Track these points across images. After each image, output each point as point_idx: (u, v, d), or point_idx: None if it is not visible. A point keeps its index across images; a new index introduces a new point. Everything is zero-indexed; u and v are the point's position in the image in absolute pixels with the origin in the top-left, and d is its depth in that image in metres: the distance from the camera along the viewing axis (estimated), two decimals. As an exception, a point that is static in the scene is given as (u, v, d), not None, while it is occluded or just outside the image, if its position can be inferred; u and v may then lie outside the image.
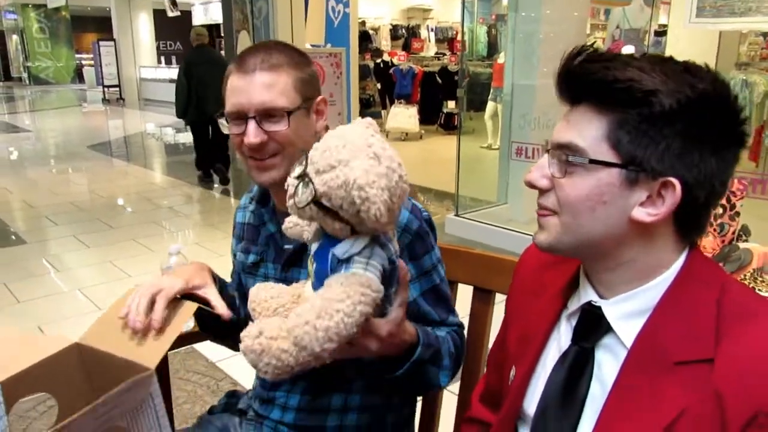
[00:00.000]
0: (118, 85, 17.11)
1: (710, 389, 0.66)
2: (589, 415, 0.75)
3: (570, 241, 0.75)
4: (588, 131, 0.71)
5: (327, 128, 1.07)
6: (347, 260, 0.77)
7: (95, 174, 7.67)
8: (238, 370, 2.68)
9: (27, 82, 23.01)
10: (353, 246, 0.78)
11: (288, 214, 0.87)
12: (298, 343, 0.71)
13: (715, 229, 2.65)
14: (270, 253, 1.15)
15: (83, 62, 22.40)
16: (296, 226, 0.90)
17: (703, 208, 0.73)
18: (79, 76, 22.89)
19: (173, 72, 15.98)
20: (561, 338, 0.82)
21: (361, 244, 0.78)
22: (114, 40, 17.12)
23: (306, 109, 1.07)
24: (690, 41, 3.74)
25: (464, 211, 5.01)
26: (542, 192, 0.76)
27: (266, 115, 1.03)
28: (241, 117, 1.03)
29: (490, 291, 1.22)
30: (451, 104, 10.56)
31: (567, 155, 0.72)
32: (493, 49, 10.32)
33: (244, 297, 1.09)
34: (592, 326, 0.77)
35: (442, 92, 10.59)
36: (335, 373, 1.01)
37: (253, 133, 1.02)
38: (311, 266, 0.83)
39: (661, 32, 6.37)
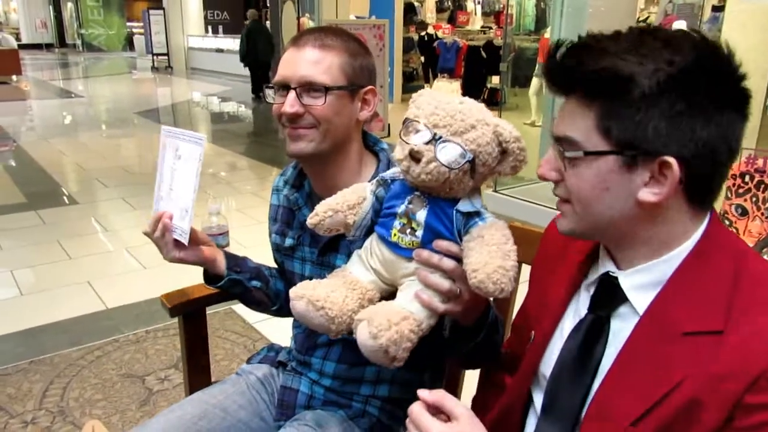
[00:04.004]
0: (167, 54, 17.39)
1: (715, 360, 0.67)
2: (601, 380, 0.77)
3: (586, 227, 0.77)
4: (580, 122, 0.72)
5: (373, 119, 1.11)
6: (476, 213, 0.84)
7: (143, 140, 7.88)
8: (274, 331, 2.77)
9: (80, 48, 23.61)
10: (475, 202, 0.85)
11: (322, 199, 0.90)
12: (496, 283, 0.78)
13: (762, 213, 2.57)
14: (305, 237, 1.17)
15: (134, 30, 22.81)
16: (337, 213, 0.89)
17: (711, 177, 0.71)
18: (129, 43, 23.36)
19: (220, 42, 16.13)
20: (579, 306, 0.85)
21: (479, 199, 0.86)
22: (163, 8, 17.33)
23: (350, 93, 1.07)
24: (750, 16, 3.58)
25: (503, 187, 4.98)
26: (555, 182, 0.77)
27: (307, 88, 1.04)
28: (284, 87, 1.06)
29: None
30: (495, 79, 10.38)
31: (564, 149, 0.73)
32: (540, 23, 10.04)
33: (284, 274, 1.26)
34: (609, 296, 0.79)
35: (487, 67, 10.41)
36: None
37: (290, 103, 1.04)
38: (413, 232, 0.86)
39: (719, 7, 6.10)
